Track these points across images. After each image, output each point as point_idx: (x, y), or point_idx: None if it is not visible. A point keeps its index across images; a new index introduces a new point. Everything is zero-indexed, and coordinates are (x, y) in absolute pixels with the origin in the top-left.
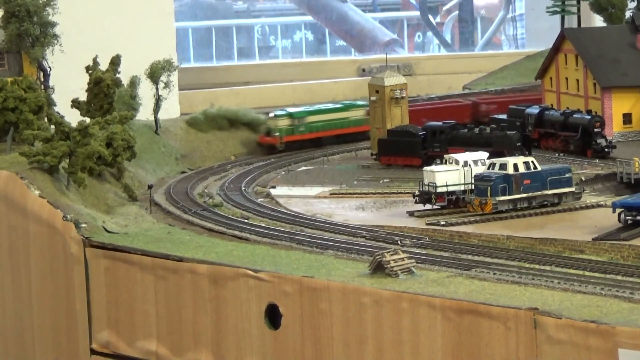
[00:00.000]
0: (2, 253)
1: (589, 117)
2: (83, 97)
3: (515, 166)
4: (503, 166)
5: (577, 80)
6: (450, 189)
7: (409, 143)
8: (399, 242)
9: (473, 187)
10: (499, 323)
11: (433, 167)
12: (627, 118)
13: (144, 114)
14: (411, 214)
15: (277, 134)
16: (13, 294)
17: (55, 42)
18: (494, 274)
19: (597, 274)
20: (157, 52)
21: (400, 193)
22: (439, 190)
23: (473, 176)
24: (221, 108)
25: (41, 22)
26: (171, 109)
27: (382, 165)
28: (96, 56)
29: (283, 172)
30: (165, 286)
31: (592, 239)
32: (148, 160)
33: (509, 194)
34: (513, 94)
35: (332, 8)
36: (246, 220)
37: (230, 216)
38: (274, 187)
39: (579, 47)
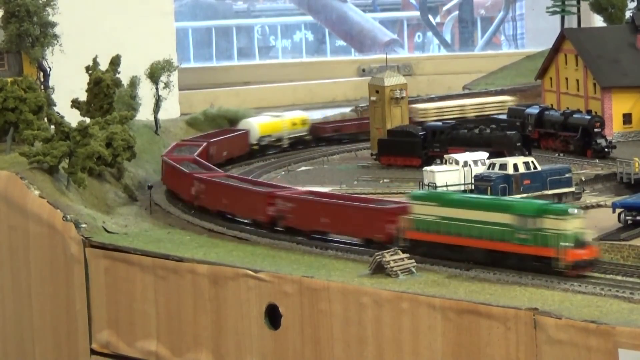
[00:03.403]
0: (2, 253)
1: (589, 117)
2: (83, 97)
3: (515, 166)
4: (503, 166)
5: (577, 80)
6: (451, 189)
7: (409, 143)
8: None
9: (473, 187)
10: (499, 323)
11: (433, 167)
12: (627, 118)
13: (144, 114)
14: None
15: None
16: (13, 294)
17: (55, 42)
18: (494, 274)
19: (597, 274)
20: (157, 52)
21: (400, 193)
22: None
23: (473, 176)
24: (221, 108)
25: (41, 22)
26: (171, 109)
27: (382, 165)
28: (96, 56)
29: (283, 172)
30: (165, 286)
31: (592, 239)
32: (148, 160)
33: (509, 194)
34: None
35: (332, 8)
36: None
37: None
38: None
39: (579, 47)
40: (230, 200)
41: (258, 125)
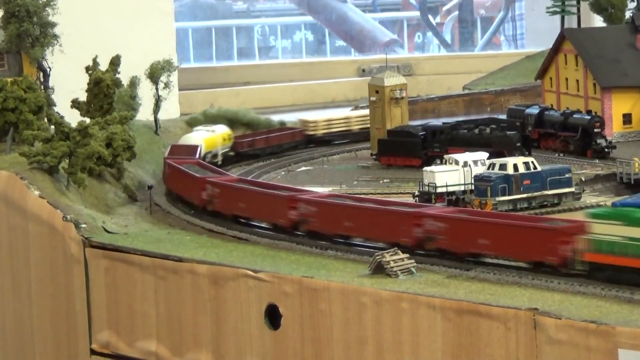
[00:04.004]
0: (2, 253)
1: (588, 117)
2: (83, 97)
3: (515, 166)
4: (503, 166)
5: (577, 81)
6: (450, 189)
7: (409, 143)
8: None
9: (473, 188)
10: (499, 323)
11: (433, 168)
12: (627, 118)
13: (144, 114)
14: None
15: None
16: (13, 294)
17: (55, 42)
18: (494, 274)
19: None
20: (157, 52)
21: (400, 193)
22: (439, 190)
23: (473, 176)
24: (221, 108)
25: (41, 23)
26: (171, 109)
27: (382, 165)
28: (96, 56)
29: (283, 172)
30: (165, 286)
31: None
32: (148, 160)
33: (508, 195)
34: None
35: (332, 8)
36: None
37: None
38: None
39: (579, 47)
40: (359, 223)
41: (204, 140)
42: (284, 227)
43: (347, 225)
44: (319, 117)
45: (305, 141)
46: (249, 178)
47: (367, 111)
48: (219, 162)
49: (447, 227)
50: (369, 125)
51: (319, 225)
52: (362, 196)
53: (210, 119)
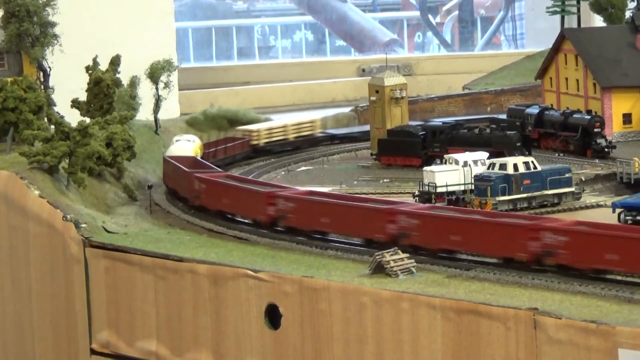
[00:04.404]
0: (2, 253)
1: (588, 117)
2: (83, 97)
3: (515, 166)
4: (503, 166)
5: (577, 80)
6: (450, 189)
7: (408, 143)
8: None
9: (473, 187)
10: (499, 323)
11: (433, 167)
12: (627, 118)
13: (144, 114)
14: None
15: None
16: (13, 294)
17: (55, 42)
18: (494, 274)
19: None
20: (157, 52)
21: (400, 193)
22: (439, 190)
23: (473, 176)
24: (221, 108)
25: (41, 22)
26: (171, 109)
27: (382, 165)
28: (96, 56)
29: (283, 172)
30: (165, 286)
31: None
32: (148, 160)
33: (508, 194)
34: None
35: (332, 8)
36: (246, 220)
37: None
38: None
39: (579, 47)
40: (467, 237)
41: (192, 151)
42: (381, 241)
43: (453, 239)
44: (261, 126)
45: (250, 151)
46: (318, 190)
47: (302, 118)
48: None
49: (569, 240)
50: (303, 133)
51: (421, 239)
52: (470, 208)
53: (210, 118)
